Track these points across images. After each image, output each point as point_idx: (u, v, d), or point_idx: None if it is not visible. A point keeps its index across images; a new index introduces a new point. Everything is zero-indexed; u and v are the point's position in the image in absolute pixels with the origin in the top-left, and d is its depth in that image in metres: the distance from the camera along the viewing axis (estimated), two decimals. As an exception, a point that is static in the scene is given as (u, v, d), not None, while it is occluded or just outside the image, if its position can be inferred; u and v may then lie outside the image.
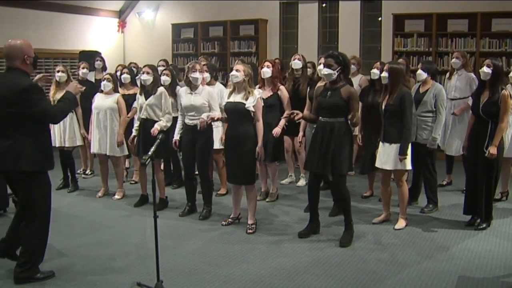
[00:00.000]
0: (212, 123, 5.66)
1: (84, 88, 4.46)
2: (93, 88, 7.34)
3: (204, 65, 6.35)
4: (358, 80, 6.67)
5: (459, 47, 8.63)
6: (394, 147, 5.13)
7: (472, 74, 6.63)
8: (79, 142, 7.05)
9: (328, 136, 4.83)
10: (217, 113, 5.47)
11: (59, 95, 6.75)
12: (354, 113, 4.79)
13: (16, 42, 3.94)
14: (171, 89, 6.31)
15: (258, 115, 5.19)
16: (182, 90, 5.75)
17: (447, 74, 6.99)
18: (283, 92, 6.13)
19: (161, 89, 5.94)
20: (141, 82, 6.03)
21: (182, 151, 5.85)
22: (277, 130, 5.92)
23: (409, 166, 5.20)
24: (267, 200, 6.37)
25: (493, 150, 5.05)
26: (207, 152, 5.73)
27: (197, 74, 5.56)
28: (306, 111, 5.76)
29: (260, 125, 5.19)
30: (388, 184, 5.44)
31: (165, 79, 6.32)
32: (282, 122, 5.98)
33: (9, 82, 3.87)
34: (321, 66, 5.60)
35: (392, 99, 5.12)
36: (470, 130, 5.41)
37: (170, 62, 8.98)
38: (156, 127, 5.74)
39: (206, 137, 5.61)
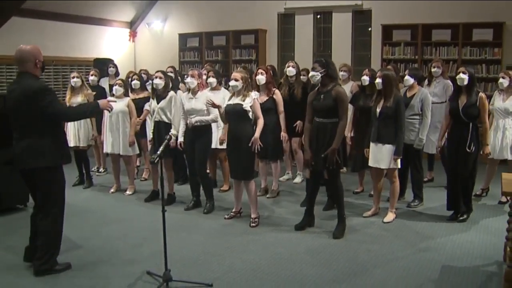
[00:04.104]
0: (216, 124, 5.71)
1: (111, 108, 4.33)
2: (103, 93, 7.37)
3: (209, 71, 6.37)
4: (350, 87, 6.66)
5: (443, 55, 8.64)
6: (388, 147, 5.12)
7: (449, 81, 6.63)
8: (92, 142, 7.05)
9: (323, 136, 4.83)
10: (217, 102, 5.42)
11: (74, 100, 6.77)
12: (341, 114, 4.78)
13: (27, 47, 3.91)
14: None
15: (257, 113, 5.19)
16: (184, 95, 5.75)
17: (426, 81, 6.94)
18: (278, 96, 6.13)
19: (171, 93, 5.93)
20: (153, 86, 6.03)
21: (185, 150, 5.86)
22: (285, 135, 6.06)
23: (399, 164, 5.21)
24: (267, 196, 6.36)
25: (487, 149, 5.13)
26: (205, 152, 5.72)
27: (189, 79, 5.61)
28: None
29: (260, 121, 5.18)
30: (379, 181, 5.43)
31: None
32: (283, 125, 6.04)
33: (22, 85, 3.84)
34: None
35: (389, 103, 5.10)
36: (450, 132, 5.40)
37: (177, 69, 8.97)
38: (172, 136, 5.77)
39: (205, 137, 5.62)
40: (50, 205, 4.03)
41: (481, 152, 5.29)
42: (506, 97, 5.95)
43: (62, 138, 4.11)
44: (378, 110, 5.18)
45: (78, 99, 6.78)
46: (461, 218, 5.30)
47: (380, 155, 5.19)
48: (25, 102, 3.81)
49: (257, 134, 5.14)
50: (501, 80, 5.96)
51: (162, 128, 5.88)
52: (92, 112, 4.24)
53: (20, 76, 3.96)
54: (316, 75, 4.82)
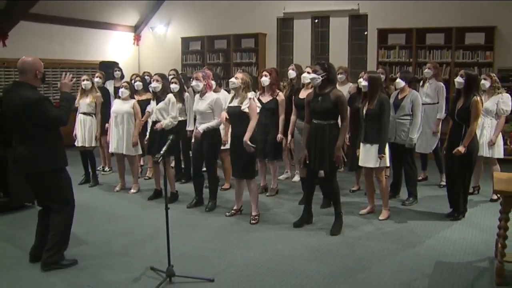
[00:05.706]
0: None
1: (72, 78, 4.29)
2: (108, 95, 7.36)
3: None
4: (347, 88, 6.66)
5: (436, 58, 8.65)
6: (374, 147, 5.13)
7: (441, 83, 6.62)
8: (98, 143, 7.05)
9: (321, 137, 4.82)
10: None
11: (83, 101, 6.83)
12: (343, 116, 4.80)
13: (29, 59, 3.96)
14: (179, 95, 6.30)
15: (250, 114, 5.11)
16: (196, 97, 5.78)
17: (421, 82, 6.96)
18: (281, 97, 6.15)
19: (169, 95, 5.95)
20: (152, 89, 6.06)
21: (192, 150, 5.85)
22: (280, 136, 6.07)
23: (387, 162, 5.21)
24: (267, 194, 6.35)
25: (461, 148, 5.05)
26: (214, 152, 5.72)
27: (194, 83, 5.62)
28: (293, 116, 5.87)
29: (252, 123, 5.10)
30: (371, 180, 5.44)
31: (174, 86, 6.32)
32: (281, 127, 6.04)
33: (20, 96, 3.85)
34: (305, 74, 5.65)
35: (373, 105, 5.12)
36: (449, 133, 5.40)
37: (179, 71, 8.97)
38: (161, 123, 5.82)
39: (213, 137, 5.61)
40: (63, 204, 4.09)
41: (457, 150, 5.16)
42: (488, 98, 5.98)
43: (59, 142, 4.12)
44: (364, 111, 5.20)
45: (87, 100, 6.81)
46: (456, 217, 5.29)
47: (368, 155, 5.20)
48: (27, 112, 3.84)
49: (246, 137, 5.05)
50: (483, 81, 5.99)
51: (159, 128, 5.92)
52: (71, 99, 4.24)
53: (17, 86, 3.96)
54: (317, 78, 4.81)
